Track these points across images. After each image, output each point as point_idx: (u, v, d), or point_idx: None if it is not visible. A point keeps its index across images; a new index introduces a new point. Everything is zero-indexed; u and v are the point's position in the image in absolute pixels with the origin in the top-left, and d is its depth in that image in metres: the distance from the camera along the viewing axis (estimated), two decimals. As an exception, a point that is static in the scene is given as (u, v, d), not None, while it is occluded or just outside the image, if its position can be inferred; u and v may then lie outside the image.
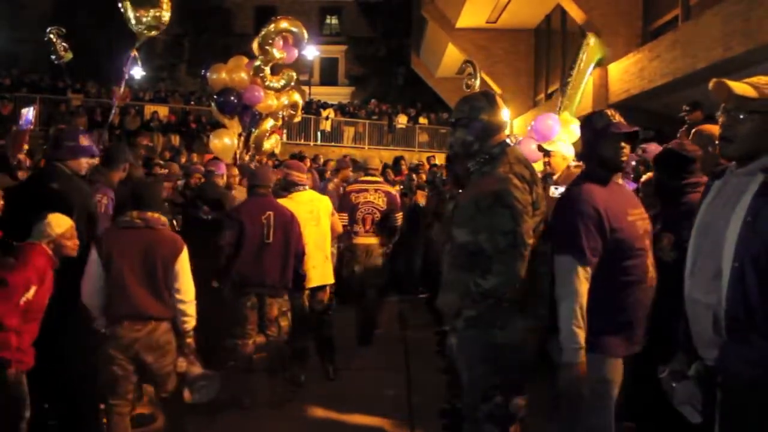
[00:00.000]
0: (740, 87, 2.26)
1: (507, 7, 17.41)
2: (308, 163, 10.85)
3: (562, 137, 6.27)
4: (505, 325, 2.88)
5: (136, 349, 3.81)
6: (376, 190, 6.93)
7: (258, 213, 5.11)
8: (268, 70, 8.75)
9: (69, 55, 4.49)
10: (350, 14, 39.08)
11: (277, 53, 8.69)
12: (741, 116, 2.25)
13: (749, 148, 2.25)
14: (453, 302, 2.99)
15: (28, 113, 4.36)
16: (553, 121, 6.36)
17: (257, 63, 8.67)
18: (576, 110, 9.59)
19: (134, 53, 4.63)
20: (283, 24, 8.87)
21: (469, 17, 18.21)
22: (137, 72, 28.75)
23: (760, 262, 2.12)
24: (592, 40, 11.58)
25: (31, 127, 4.24)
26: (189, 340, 4.04)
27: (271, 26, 8.79)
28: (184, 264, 3.93)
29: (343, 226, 6.56)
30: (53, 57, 4.38)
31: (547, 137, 6.20)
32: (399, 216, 7.03)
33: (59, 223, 3.66)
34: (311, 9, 37.51)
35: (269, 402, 5.08)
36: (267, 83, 8.75)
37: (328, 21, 40.24)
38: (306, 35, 9.11)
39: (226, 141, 8.82)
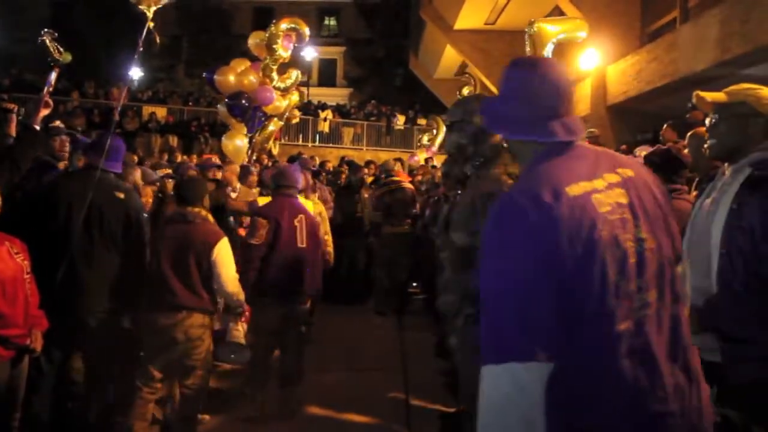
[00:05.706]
0: (713, 95, 2.55)
1: (505, 8, 17.44)
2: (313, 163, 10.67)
3: None
4: None
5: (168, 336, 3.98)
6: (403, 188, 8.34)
7: (291, 215, 4.80)
8: (275, 69, 8.90)
9: (68, 57, 4.39)
10: (348, 15, 39.10)
11: (283, 52, 8.85)
12: (716, 119, 2.55)
13: (726, 146, 2.51)
14: (453, 303, 2.99)
15: (50, 76, 4.32)
16: None
17: (265, 62, 8.78)
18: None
19: (150, 24, 4.48)
20: (284, 24, 9.04)
21: (468, 19, 18.24)
22: (135, 73, 28.82)
23: (743, 248, 2.24)
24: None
25: (50, 88, 4.22)
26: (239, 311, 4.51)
27: (272, 27, 8.95)
28: (220, 254, 4.08)
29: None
30: (50, 60, 4.31)
31: None
32: (418, 206, 8.36)
33: None
34: (309, 10, 37.44)
35: (281, 413, 4.79)
36: (275, 83, 8.86)
37: (326, 22, 40.30)
38: (308, 32, 9.29)
39: (237, 142, 8.99)
